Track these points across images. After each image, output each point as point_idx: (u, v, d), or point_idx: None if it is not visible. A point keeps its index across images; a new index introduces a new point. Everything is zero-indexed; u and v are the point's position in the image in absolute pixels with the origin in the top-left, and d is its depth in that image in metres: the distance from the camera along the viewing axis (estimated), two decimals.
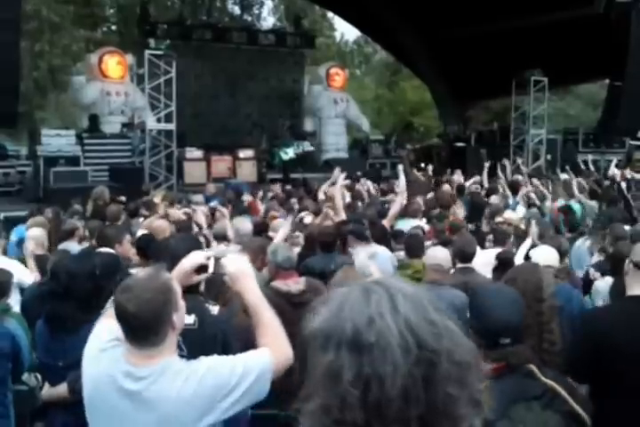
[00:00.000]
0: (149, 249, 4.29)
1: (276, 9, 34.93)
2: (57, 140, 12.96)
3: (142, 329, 1.96)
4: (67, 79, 17.11)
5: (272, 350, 2.05)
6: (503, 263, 4.43)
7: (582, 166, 13.65)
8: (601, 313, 2.98)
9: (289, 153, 15.43)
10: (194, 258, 2.31)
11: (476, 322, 2.35)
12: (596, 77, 19.73)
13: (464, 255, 4.51)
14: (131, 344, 1.99)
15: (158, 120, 14.81)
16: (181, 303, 2.05)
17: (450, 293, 3.90)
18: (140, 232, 5.50)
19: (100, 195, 8.93)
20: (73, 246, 5.69)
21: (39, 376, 3.47)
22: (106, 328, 2.13)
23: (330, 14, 32.28)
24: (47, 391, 3.27)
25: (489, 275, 4.54)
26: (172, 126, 14.69)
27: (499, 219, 6.67)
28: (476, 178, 10.92)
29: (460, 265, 4.54)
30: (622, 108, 15.28)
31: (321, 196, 8.88)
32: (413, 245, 5.10)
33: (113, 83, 16.18)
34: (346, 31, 36.97)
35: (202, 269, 2.31)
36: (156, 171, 14.58)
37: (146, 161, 14.29)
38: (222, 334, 2.72)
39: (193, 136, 16.39)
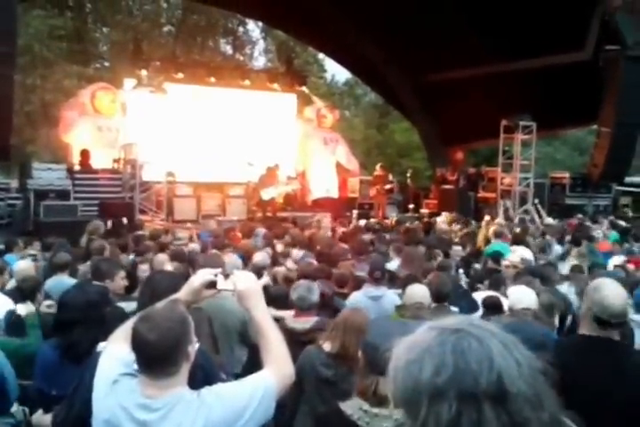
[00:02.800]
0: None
1: (268, 49, 35.50)
2: (48, 174, 12.99)
3: (160, 359, 1.98)
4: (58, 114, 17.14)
5: (274, 369, 2.09)
6: (491, 308, 4.62)
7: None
8: (562, 341, 2.97)
9: (270, 193, 15.48)
10: (203, 275, 2.32)
11: None
12: (585, 123, 20.06)
13: (440, 295, 4.66)
14: (146, 374, 2.01)
15: (149, 156, 14.86)
16: (194, 335, 2.08)
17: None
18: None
19: (96, 229, 8.92)
20: (64, 280, 5.64)
21: (27, 410, 3.43)
22: (115, 358, 2.14)
23: (321, 55, 32.84)
24: (37, 419, 3.27)
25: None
26: (161, 162, 14.74)
27: (505, 262, 6.76)
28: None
29: (434, 305, 4.63)
30: (610, 154, 15.54)
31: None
32: None
33: (104, 118, 16.29)
34: (336, 72, 37.49)
35: (210, 286, 2.32)
36: (145, 206, 14.55)
37: (136, 196, 14.27)
38: (201, 369, 2.67)
39: (183, 173, 16.42)
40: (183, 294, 2.27)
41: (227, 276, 2.28)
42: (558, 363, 2.53)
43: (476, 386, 0.96)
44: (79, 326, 3.25)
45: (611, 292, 2.73)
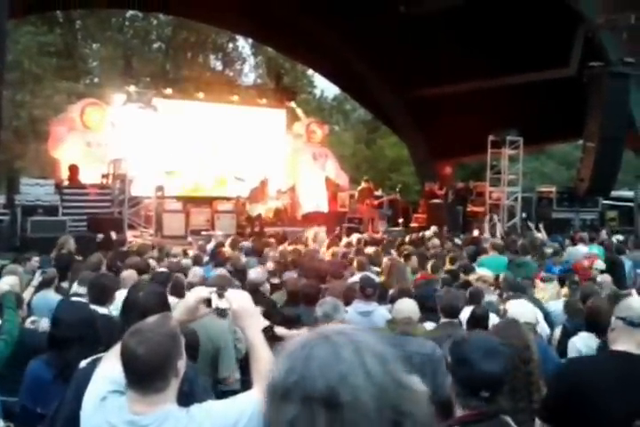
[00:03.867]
0: None
1: (258, 65, 35.70)
2: (36, 190, 12.90)
3: (149, 373, 1.97)
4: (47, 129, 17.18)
5: (262, 389, 2.04)
6: (478, 319, 4.52)
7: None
8: (584, 363, 2.99)
9: (258, 209, 15.53)
10: (198, 292, 2.31)
11: (459, 372, 2.41)
12: (570, 138, 20.28)
13: (451, 310, 4.59)
14: (134, 390, 1.99)
15: (138, 171, 14.89)
16: (184, 352, 2.07)
17: (420, 341, 4.06)
18: None
19: (64, 244, 8.83)
20: (50, 296, 5.62)
21: (12, 426, 3.41)
22: (106, 375, 2.13)
23: (310, 71, 33.05)
24: None
25: None
26: (151, 178, 14.77)
27: (473, 276, 6.78)
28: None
29: (444, 320, 4.60)
30: (595, 168, 15.69)
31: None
32: None
33: (94, 133, 16.31)
34: (325, 88, 37.70)
35: (205, 303, 2.31)
36: (134, 222, 14.53)
37: (125, 212, 14.25)
38: (189, 384, 2.67)
39: (173, 188, 16.44)
40: (178, 312, 2.25)
41: (221, 294, 2.26)
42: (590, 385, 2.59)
43: (313, 391, 0.98)
44: (77, 345, 3.20)
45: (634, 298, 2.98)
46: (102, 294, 4.50)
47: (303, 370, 1.01)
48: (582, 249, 10.23)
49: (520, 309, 4.19)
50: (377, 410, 0.98)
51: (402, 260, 8.34)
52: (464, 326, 4.57)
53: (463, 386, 2.38)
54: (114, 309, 4.31)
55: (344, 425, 0.97)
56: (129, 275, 5.94)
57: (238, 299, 2.22)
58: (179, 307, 2.30)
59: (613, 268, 8.34)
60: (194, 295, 2.30)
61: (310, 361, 1.02)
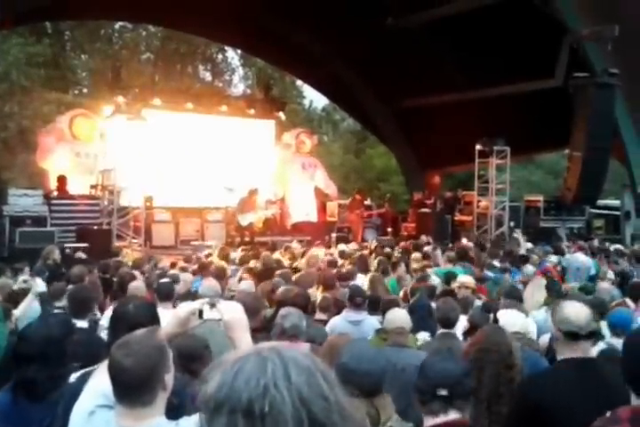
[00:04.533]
0: None
1: (247, 76, 35.80)
2: (24, 201, 12.85)
3: (136, 386, 1.95)
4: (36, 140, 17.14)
5: None
6: (475, 327, 4.55)
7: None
8: (539, 380, 3.03)
9: (249, 218, 15.55)
10: (189, 304, 2.32)
11: (418, 379, 2.46)
12: (557, 147, 20.45)
13: (448, 321, 4.62)
14: (122, 404, 1.97)
15: (127, 181, 14.88)
16: (172, 365, 2.06)
17: (413, 353, 4.07)
18: None
19: (50, 254, 8.79)
20: (33, 306, 5.60)
21: None
22: (95, 390, 2.12)
23: (299, 82, 33.19)
24: None
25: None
26: (140, 188, 14.76)
27: (455, 284, 6.86)
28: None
29: (442, 330, 4.65)
30: (582, 177, 15.81)
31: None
32: None
33: (82, 144, 16.29)
34: (314, 99, 37.87)
35: (197, 314, 2.31)
36: (123, 232, 14.51)
37: (113, 222, 14.23)
38: (177, 396, 2.68)
39: (162, 198, 16.43)
40: (170, 325, 2.25)
41: (213, 305, 2.26)
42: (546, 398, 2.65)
43: (238, 403, 1.03)
44: (36, 363, 3.04)
45: (572, 308, 2.90)
46: (82, 307, 4.45)
47: (232, 383, 1.06)
48: (580, 257, 10.34)
49: (511, 318, 4.23)
50: (296, 420, 1.02)
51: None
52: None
53: (421, 391, 2.40)
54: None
55: None
56: (136, 286, 5.94)
57: (230, 310, 2.22)
58: (170, 318, 2.30)
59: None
60: (185, 307, 2.31)
61: (239, 375, 1.06)
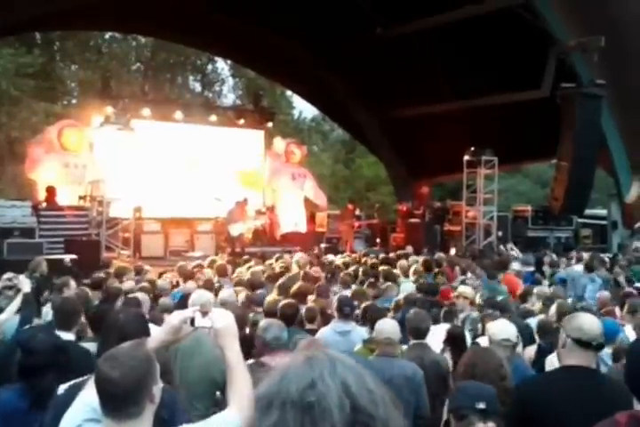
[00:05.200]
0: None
1: (237, 86, 35.89)
2: (12, 212, 12.81)
3: (123, 398, 1.95)
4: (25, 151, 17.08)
5: (239, 409, 2.09)
6: (454, 337, 4.73)
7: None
8: (536, 383, 3.08)
9: (238, 228, 15.56)
10: (181, 312, 2.34)
11: (454, 398, 2.65)
12: (544, 157, 20.59)
13: (418, 332, 4.69)
14: (109, 417, 1.97)
15: (116, 192, 14.88)
16: (159, 377, 2.06)
17: (401, 364, 4.15)
18: None
19: (37, 267, 8.74)
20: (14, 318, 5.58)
21: None
22: (84, 403, 2.12)
23: (289, 92, 33.28)
24: None
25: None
26: (130, 199, 14.75)
27: (453, 293, 6.91)
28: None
29: (413, 341, 4.70)
30: (569, 187, 15.91)
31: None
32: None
33: (71, 155, 16.26)
34: (304, 109, 38.00)
35: (189, 322, 2.34)
36: (112, 243, 14.48)
37: (102, 233, 14.19)
38: (166, 409, 2.62)
39: (151, 209, 16.41)
40: (163, 332, 2.27)
41: (204, 313, 2.29)
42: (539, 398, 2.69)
43: (288, 395, 1.09)
44: (50, 372, 3.10)
45: (587, 318, 3.04)
46: (68, 319, 4.42)
47: (281, 381, 1.12)
48: (578, 268, 10.47)
49: (500, 327, 4.26)
50: (341, 410, 1.07)
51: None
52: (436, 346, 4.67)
53: (459, 407, 2.59)
54: None
55: (312, 424, 1.06)
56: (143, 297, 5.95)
57: (221, 318, 2.25)
58: (164, 326, 2.32)
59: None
60: (177, 315, 2.33)
61: (288, 373, 1.13)
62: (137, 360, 2.00)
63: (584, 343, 2.88)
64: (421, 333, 4.70)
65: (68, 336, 4.14)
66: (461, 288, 7.05)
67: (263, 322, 4.35)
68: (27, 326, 4.78)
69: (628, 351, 2.42)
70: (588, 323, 2.96)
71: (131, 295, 6.18)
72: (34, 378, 3.16)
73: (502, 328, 4.19)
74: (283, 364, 1.17)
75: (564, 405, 2.73)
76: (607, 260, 12.39)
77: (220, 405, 3.79)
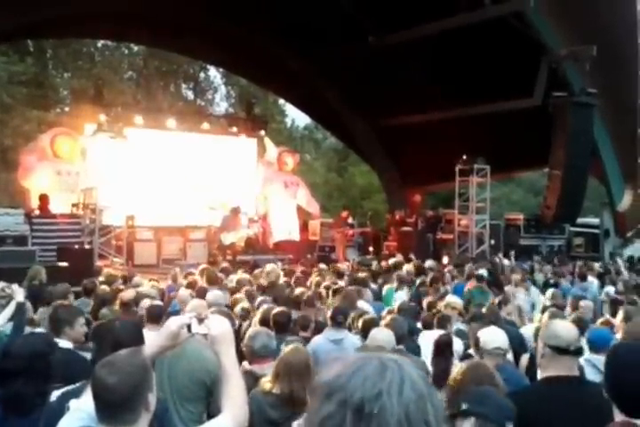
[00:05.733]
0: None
1: (229, 94, 35.95)
2: (4, 219, 12.73)
3: (119, 404, 1.96)
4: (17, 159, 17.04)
5: (232, 415, 2.10)
6: (443, 346, 4.67)
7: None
8: (523, 395, 3.07)
9: (229, 238, 15.55)
10: (179, 318, 2.35)
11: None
12: (537, 166, 20.69)
13: (395, 337, 4.68)
14: (104, 423, 1.98)
15: (109, 200, 14.84)
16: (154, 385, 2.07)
17: None
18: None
19: (36, 275, 8.71)
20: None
21: None
22: (81, 410, 2.12)
23: (281, 101, 33.37)
24: None
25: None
26: (122, 207, 14.72)
27: (441, 303, 6.92)
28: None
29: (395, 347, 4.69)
30: (561, 195, 15.99)
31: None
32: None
33: (64, 163, 16.23)
34: (297, 117, 38.08)
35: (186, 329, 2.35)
36: (105, 251, 14.43)
37: (95, 241, 14.15)
38: (158, 420, 2.63)
39: (144, 217, 16.37)
40: (161, 338, 2.28)
41: (201, 320, 2.30)
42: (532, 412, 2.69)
43: (351, 398, 1.10)
44: (23, 377, 3.05)
45: (562, 324, 3.07)
46: (61, 326, 4.38)
47: (350, 378, 1.12)
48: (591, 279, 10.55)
49: (491, 336, 4.28)
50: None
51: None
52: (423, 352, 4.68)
53: None
54: None
55: None
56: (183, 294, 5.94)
57: (217, 325, 2.26)
58: (161, 333, 2.32)
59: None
60: (174, 321, 2.34)
61: (359, 372, 1.13)
62: (134, 367, 2.01)
63: (562, 350, 2.89)
64: (399, 339, 4.73)
65: (63, 344, 4.13)
66: (450, 298, 7.05)
67: (251, 331, 4.36)
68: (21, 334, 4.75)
69: (605, 362, 2.41)
70: (563, 328, 2.99)
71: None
72: (7, 382, 3.12)
73: (493, 337, 4.21)
74: (358, 358, 1.17)
75: (547, 422, 2.73)
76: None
77: (211, 406, 3.85)
